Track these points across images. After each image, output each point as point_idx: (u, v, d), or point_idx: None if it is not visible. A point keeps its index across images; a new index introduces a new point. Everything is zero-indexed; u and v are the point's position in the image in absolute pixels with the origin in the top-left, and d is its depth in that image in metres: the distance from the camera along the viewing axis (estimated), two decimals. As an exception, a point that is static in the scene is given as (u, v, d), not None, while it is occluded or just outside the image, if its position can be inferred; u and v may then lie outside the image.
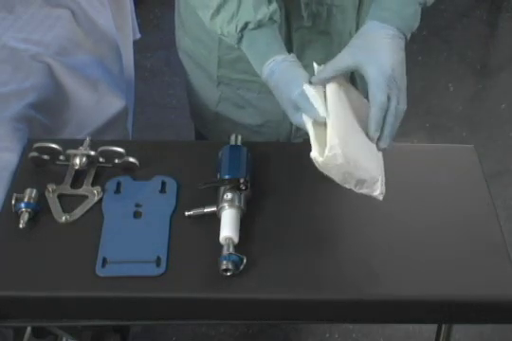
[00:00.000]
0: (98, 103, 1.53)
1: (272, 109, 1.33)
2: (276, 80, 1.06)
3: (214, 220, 1.05)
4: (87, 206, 1.08)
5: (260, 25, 1.07)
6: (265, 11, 1.07)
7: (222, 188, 1.07)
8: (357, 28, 1.29)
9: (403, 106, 1.04)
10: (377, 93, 1.01)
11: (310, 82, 1.05)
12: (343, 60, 1.06)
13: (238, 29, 1.07)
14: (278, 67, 1.06)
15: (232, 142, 1.17)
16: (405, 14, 1.07)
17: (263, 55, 1.08)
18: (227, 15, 1.07)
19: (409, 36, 1.09)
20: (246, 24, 1.07)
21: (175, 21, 1.39)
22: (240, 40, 1.09)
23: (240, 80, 1.32)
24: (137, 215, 1.08)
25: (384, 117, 1.02)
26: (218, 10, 1.08)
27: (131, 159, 1.14)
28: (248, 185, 1.08)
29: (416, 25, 1.09)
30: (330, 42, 1.28)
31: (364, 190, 0.98)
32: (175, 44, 1.44)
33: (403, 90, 1.04)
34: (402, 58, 1.06)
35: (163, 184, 1.13)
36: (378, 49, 1.05)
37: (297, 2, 1.20)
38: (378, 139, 1.03)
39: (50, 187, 1.09)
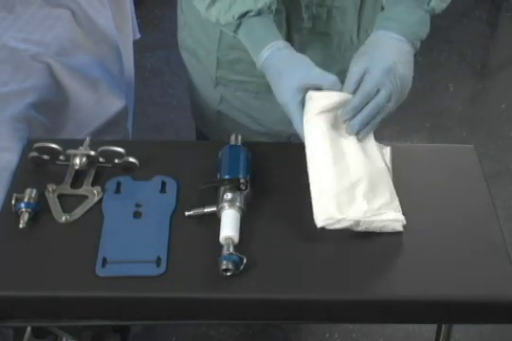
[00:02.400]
0: (98, 103, 1.53)
1: (270, 113, 1.34)
2: (277, 64, 1.09)
3: (214, 220, 1.05)
4: (87, 206, 1.08)
5: (259, 13, 1.09)
6: (265, 0, 1.09)
7: (222, 188, 1.07)
8: (359, 30, 1.29)
9: (392, 105, 1.05)
10: (367, 83, 1.04)
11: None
12: (350, 71, 1.08)
13: (236, 17, 1.09)
14: (279, 53, 1.09)
15: (232, 142, 1.17)
16: (409, 22, 1.09)
17: (261, 40, 1.10)
18: (223, 5, 1.09)
19: (417, 44, 1.10)
20: (246, 12, 1.09)
21: (178, 20, 1.40)
22: (238, 27, 1.11)
23: (238, 81, 1.32)
24: (136, 215, 1.07)
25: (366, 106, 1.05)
26: (214, 1, 1.10)
27: (131, 159, 1.14)
28: (248, 185, 1.08)
29: (423, 32, 1.11)
30: (330, 43, 1.28)
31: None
32: (176, 43, 1.44)
33: (401, 90, 1.05)
34: (407, 59, 1.08)
35: (163, 184, 1.13)
36: (380, 49, 1.07)
37: (297, 4, 1.20)
38: (349, 125, 1.06)
39: (50, 187, 1.09)
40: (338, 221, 1.02)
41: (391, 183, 1.08)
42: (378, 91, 1.04)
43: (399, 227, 1.05)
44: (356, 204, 1.03)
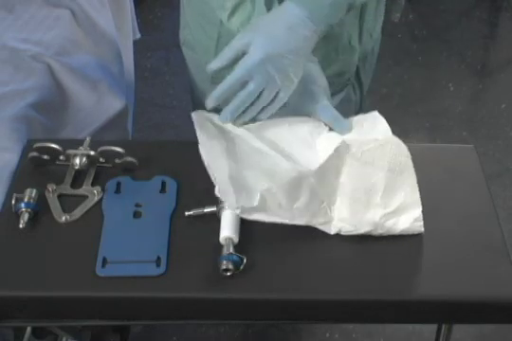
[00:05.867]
0: (98, 103, 1.54)
1: None
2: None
3: (214, 220, 1.05)
4: (87, 206, 1.08)
5: None
6: None
7: (222, 188, 1.07)
8: (361, 34, 1.28)
9: (283, 95, 1.01)
10: (239, 68, 1.00)
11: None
12: (231, 43, 1.03)
13: None
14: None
15: (232, 142, 1.17)
16: (322, 2, 1.03)
17: None
18: (243, 16, 1.11)
19: (323, 28, 1.04)
20: None
21: (181, 18, 1.40)
22: None
23: None
24: (136, 215, 1.07)
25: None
26: (233, 12, 1.11)
27: (131, 159, 1.14)
28: (248, 185, 1.08)
29: (333, 18, 1.05)
30: (326, 45, 1.27)
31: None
32: (176, 43, 1.44)
33: (281, 82, 1.01)
34: (299, 46, 1.01)
35: (163, 184, 1.13)
36: (273, 28, 1.01)
37: None
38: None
39: (50, 187, 1.09)
40: (355, 228, 1.02)
41: (410, 178, 1.03)
42: (248, 82, 1.00)
43: (419, 228, 1.03)
44: (371, 208, 1.02)
